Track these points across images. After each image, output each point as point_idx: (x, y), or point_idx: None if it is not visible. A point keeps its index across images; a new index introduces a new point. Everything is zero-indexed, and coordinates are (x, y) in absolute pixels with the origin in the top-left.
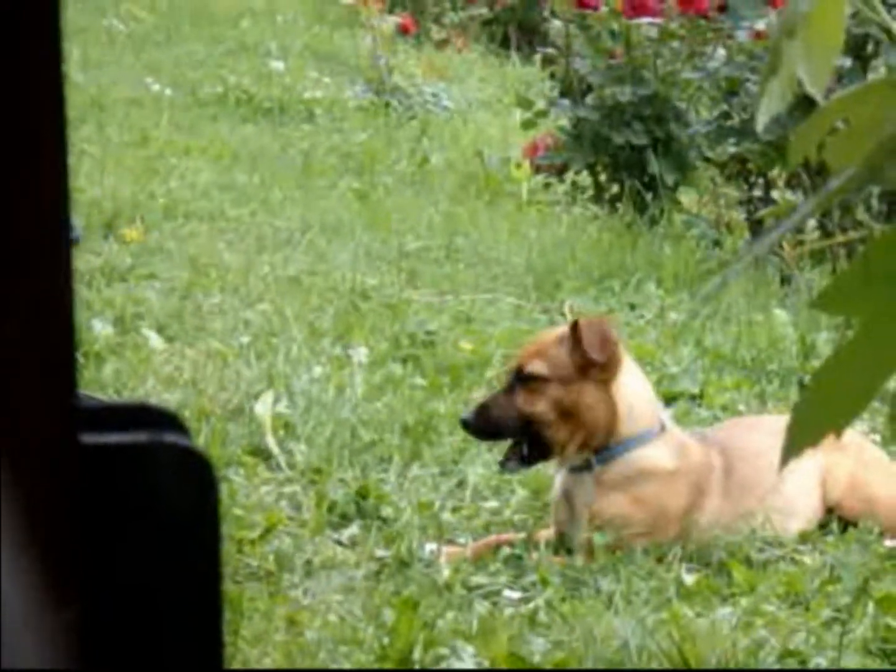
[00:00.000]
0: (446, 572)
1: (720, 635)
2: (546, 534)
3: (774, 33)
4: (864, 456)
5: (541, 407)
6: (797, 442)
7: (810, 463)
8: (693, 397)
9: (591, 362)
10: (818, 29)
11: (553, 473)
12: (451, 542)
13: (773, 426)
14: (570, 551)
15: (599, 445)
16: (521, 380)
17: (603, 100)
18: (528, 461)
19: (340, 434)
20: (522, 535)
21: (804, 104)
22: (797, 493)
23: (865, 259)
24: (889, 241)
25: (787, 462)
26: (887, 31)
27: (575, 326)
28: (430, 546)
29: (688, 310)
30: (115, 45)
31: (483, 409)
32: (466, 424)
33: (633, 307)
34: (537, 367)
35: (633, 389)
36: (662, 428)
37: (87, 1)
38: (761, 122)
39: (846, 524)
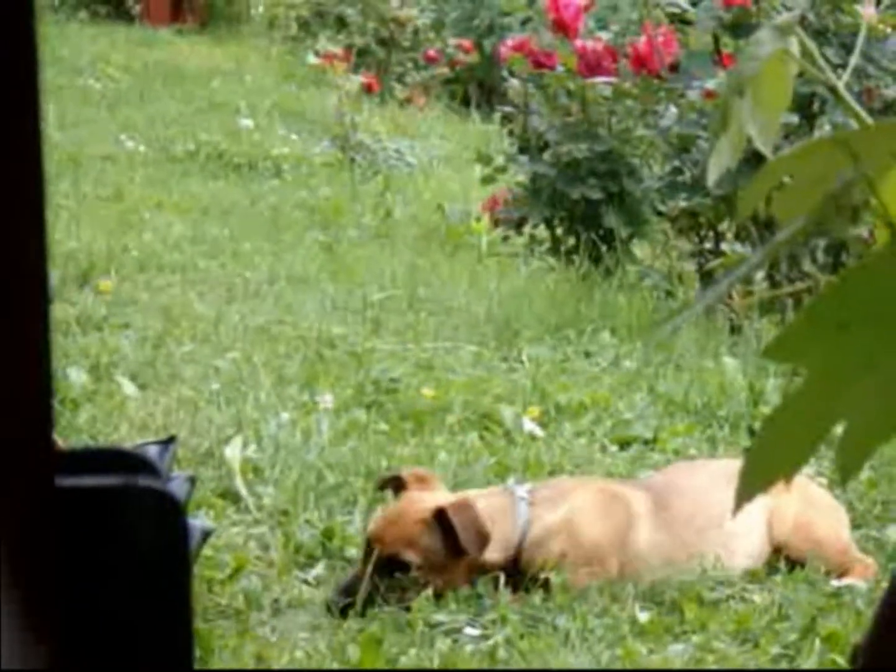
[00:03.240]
0: (409, 612)
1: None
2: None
3: (724, 92)
4: (810, 497)
5: (411, 594)
6: (749, 487)
7: (755, 503)
8: (646, 442)
9: (466, 553)
10: (766, 88)
11: None
12: None
13: (713, 468)
14: (527, 589)
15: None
16: (392, 564)
17: (559, 156)
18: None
19: (307, 477)
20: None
21: (753, 160)
22: (740, 530)
23: (812, 309)
24: (835, 290)
25: (740, 506)
26: (832, 89)
27: (442, 515)
28: None
29: (641, 357)
30: (91, 103)
31: (350, 592)
32: (332, 607)
33: (588, 355)
34: (411, 557)
35: (493, 537)
36: (529, 502)
37: (64, 61)
38: (712, 177)
39: (793, 564)
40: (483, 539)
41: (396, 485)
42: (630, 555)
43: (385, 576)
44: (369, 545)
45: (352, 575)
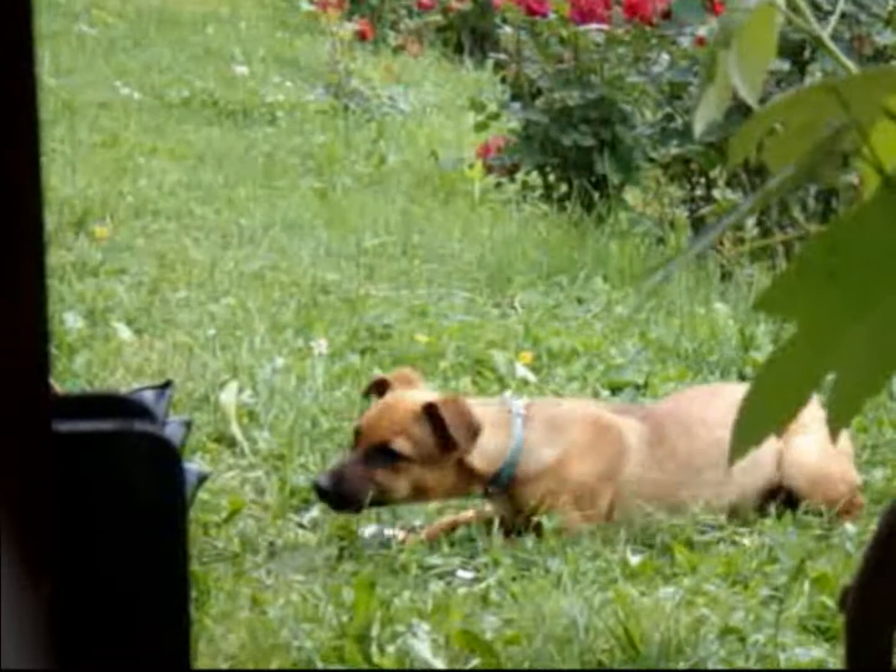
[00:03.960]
0: (402, 555)
1: (663, 613)
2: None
3: (711, 44)
4: (826, 440)
5: (400, 485)
6: (743, 440)
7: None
8: (638, 387)
9: (456, 446)
10: (752, 39)
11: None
12: (408, 529)
13: (729, 396)
14: (519, 532)
15: (480, 485)
16: (382, 453)
17: (552, 103)
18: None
19: (301, 422)
20: (471, 513)
21: (744, 107)
22: (743, 468)
23: (802, 259)
24: (824, 240)
25: (734, 460)
26: (818, 39)
27: (432, 408)
28: (390, 531)
29: (633, 303)
30: (86, 50)
31: (338, 477)
32: (321, 491)
33: (580, 301)
34: (402, 446)
35: (483, 441)
36: (525, 418)
37: (58, 7)
38: (698, 128)
39: (785, 506)
40: (473, 432)
41: (382, 387)
42: (623, 491)
43: (376, 465)
44: (358, 436)
45: (341, 460)
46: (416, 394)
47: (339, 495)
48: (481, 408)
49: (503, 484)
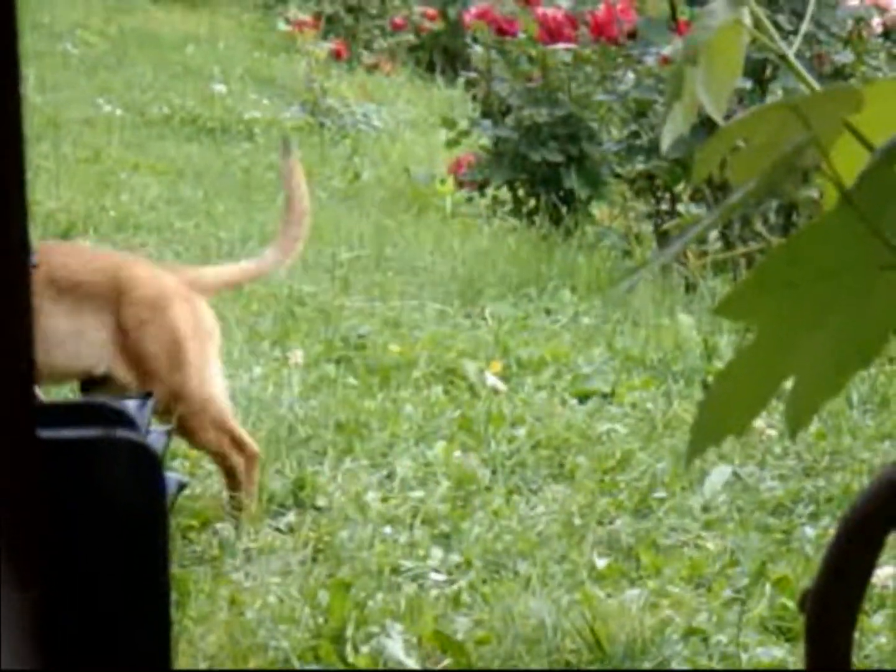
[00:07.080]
0: (376, 558)
1: (629, 615)
2: None
3: (678, 61)
4: (174, 316)
5: None
6: (700, 441)
7: (95, 315)
8: (605, 395)
9: None
10: (718, 57)
11: None
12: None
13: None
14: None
15: None
16: None
17: (521, 120)
18: None
19: (279, 429)
20: None
21: (707, 125)
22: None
23: (762, 269)
24: (784, 251)
25: (689, 463)
26: (783, 57)
27: None
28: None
29: (600, 314)
30: (70, 68)
31: None
32: None
33: (548, 312)
34: None
35: None
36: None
37: (43, 27)
38: (666, 143)
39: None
40: None
41: None
42: None
43: None
44: None
45: None
46: None
47: None
48: None
49: None
